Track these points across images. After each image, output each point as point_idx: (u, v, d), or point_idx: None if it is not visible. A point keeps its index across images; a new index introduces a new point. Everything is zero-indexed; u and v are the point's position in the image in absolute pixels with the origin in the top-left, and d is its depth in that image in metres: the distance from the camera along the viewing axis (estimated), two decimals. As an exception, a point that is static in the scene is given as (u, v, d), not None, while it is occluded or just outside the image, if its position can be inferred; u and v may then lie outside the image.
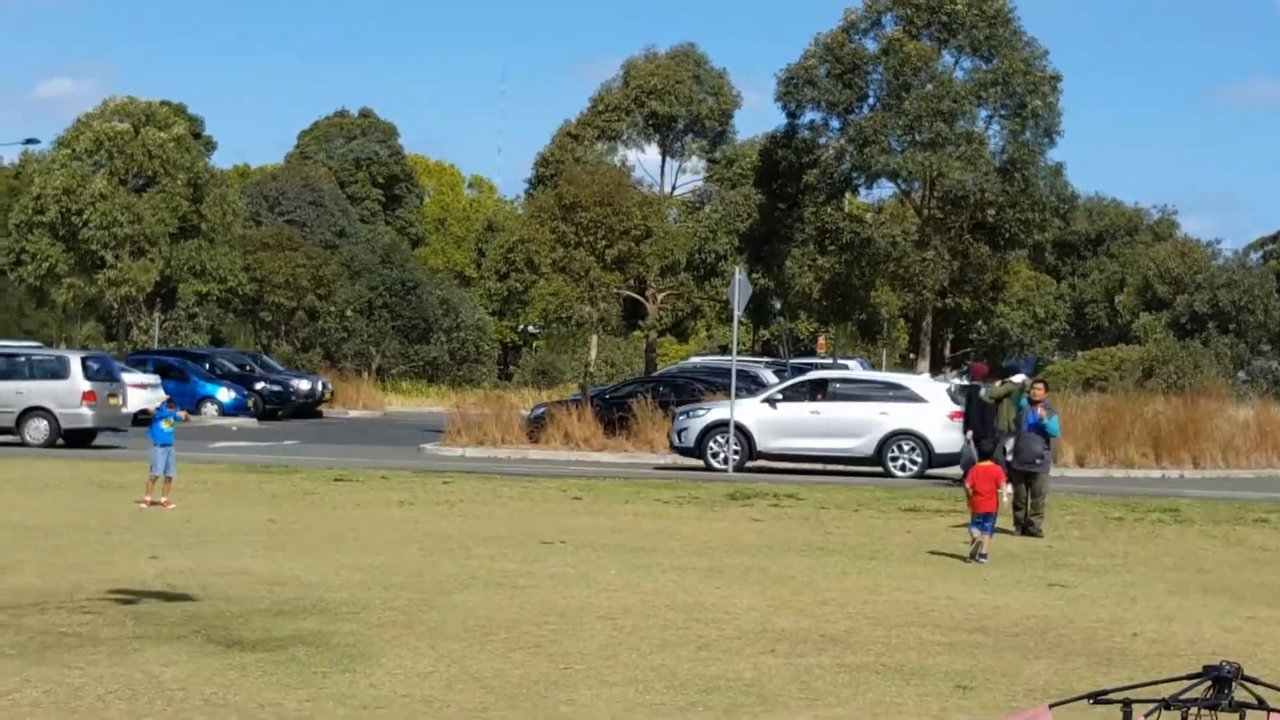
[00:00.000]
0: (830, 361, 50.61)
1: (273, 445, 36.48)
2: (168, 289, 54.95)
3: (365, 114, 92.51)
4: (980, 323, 65.79)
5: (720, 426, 31.68)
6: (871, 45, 39.08)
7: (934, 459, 30.93)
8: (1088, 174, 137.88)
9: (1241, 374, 71.16)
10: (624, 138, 48.09)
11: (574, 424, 36.78)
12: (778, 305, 49.76)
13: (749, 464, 31.44)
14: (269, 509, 21.27)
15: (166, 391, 37.53)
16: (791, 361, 51.78)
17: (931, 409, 31.30)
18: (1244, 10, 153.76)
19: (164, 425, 21.85)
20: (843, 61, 38.58)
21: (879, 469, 30.89)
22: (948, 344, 58.54)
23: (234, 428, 43.88)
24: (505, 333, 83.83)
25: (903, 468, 30.90)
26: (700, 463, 31.73)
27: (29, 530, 17.96)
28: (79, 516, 19.66)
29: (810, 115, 39.84)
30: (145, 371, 45.44)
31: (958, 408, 32.15)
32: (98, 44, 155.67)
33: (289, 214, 76.34)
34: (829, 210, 39.28)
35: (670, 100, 46.78)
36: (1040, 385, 21.91)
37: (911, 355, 47.04)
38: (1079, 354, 76.22)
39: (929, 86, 37.99)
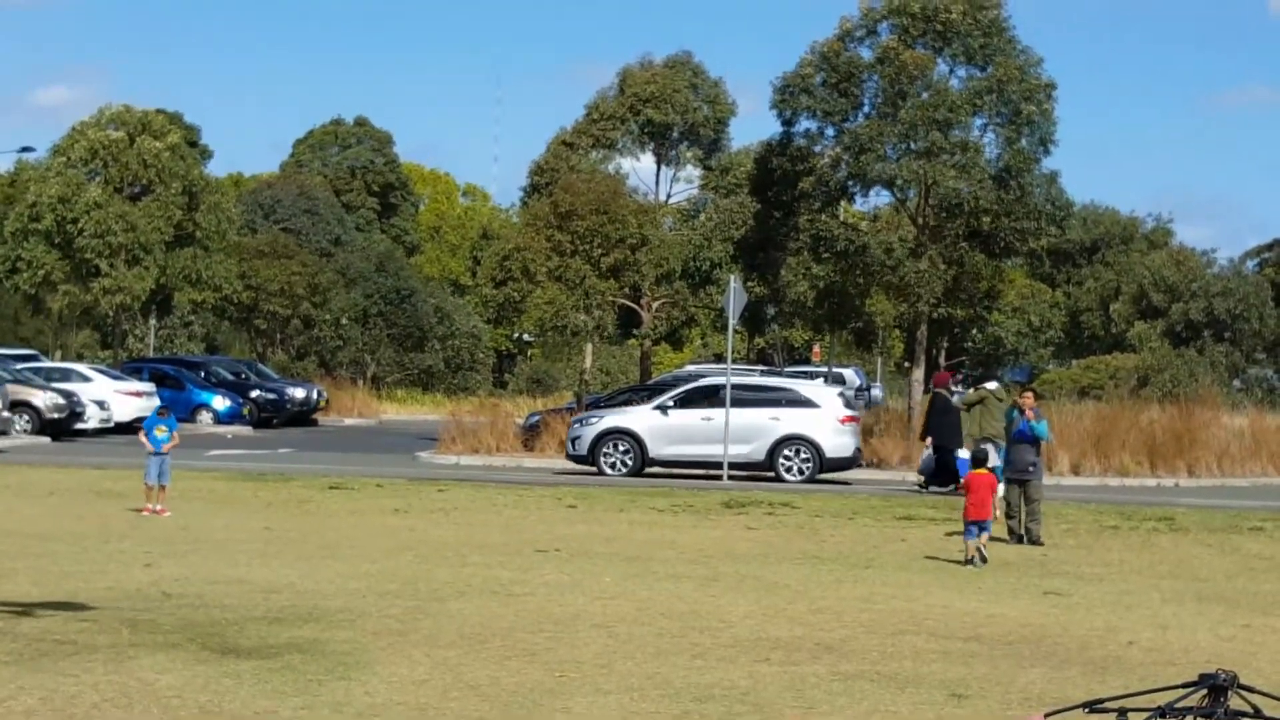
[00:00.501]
0: (826, 370, 50.65)
1: (268, 453, 36.43)
2: (163, 297, 54.94)
3: (360, 122, 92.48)
4: (975, 331, 65.87)
5: (612, 434, 31.83)
6: (867, 54, 39.03)
7: (825, 463, 31.14)
8: (1083, 182, 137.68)
9: (1236, 382, 71.28)
10: (619, 146, 48.11)
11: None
12: (772, 313, 49.77)
13: (645, 470, 31.58)
14: (264, 517, 21.26)
15: (162, 399, 37.53)
16: (786, 370, 51.84)
17: (823, 414, 31.47)
18: (1239, 17, 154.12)
19: (157, 432, 21.85)
20: (838, 70, 38.55)
21: (771, 474, 31.02)
22: (943, 352, 58.58)
23: (229, 436, 43.84)
24: (500, 341, 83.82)
25: (795, 472, 31.00)
26: (594, 469, 31.75)
27: (26, 537, 17.94)
28: (76, 524, 19.64)
29: (805, 123, 39.78)
30: (140, 379, 45.46)
31: (850, 412, 32.31)
32: (94, 51, 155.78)
33: (284, 222, 76.27)
34: (824, 218, 39.22)
35: (666, 108, 46.80)
36: (1029, 394, 21.91)
37: (906, 364, 47.00)
38: (1074, 362, 76.33)
39: (924, 95, 37.96)
